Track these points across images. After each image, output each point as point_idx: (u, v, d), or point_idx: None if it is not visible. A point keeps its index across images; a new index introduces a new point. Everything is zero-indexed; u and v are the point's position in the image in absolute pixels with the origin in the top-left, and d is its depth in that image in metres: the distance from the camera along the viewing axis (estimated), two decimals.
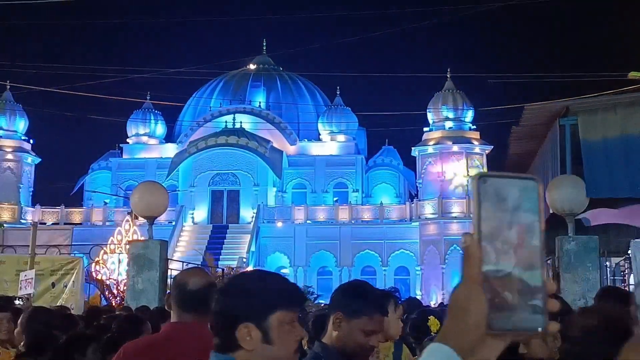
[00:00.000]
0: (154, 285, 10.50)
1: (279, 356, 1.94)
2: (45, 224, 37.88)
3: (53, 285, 13.60)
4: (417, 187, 40.74)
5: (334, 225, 39.37)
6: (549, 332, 0.82)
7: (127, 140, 45.07)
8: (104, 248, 20.21)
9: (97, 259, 19.68)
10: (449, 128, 39.32)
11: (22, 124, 42.21)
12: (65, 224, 38.92)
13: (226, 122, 43.21)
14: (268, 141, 42.12)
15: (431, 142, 39.26)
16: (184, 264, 14.89)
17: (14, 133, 41.80)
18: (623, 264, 16.32)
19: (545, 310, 0.82)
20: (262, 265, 36.95)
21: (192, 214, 40.71)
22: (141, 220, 14.88)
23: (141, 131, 44.77)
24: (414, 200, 40.11)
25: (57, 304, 11.41)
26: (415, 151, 39.85)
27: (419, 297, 23.66)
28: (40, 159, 42.85)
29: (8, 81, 38.13)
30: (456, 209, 38.06)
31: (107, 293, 18.67)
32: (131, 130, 44.93)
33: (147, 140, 44.85)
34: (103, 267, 19.52)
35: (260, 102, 46.00)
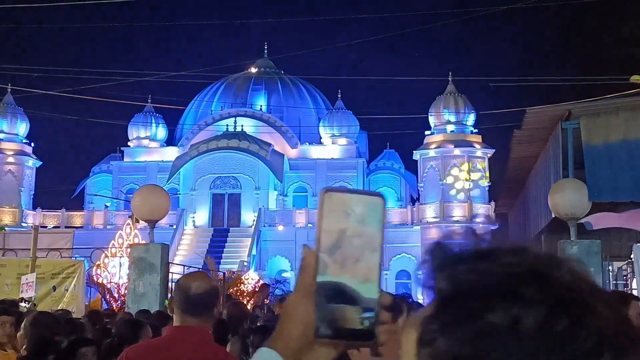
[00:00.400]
0: (154, 289, 10.48)
1: None
2: (46, 227, 37.84)
3: (54, 288, 13.59)
4: (418, 190, 40.70)
5: None
6: (379, 343, 0.85)
7: (128, 143, 45.09)
8: (105, 251, 20.18)
9: (98, 262, 19.65)
10: (451, 131, 39.29)
11: (23, 127, 42.23)
12: (66, 227, 38.87)
13: (227, 125, 43.22)
14: (269, 144, 42.12)
15: (433, 146, 39.23)
16: (185, 267, 14.87)
17: (15, 136, 41.82)
18: (625, 268, 16.29)
19: (377, 322, 0.85)
20: (262, 269, 36.92)
21: (193, 217, 40.69)
22: (142, 223, 14.86)
23: (142, 134, 44.78)
24: (416, 203, 40.06)
25: (58, 308, 11.39)
26: (416, 154, 39.82)
27: (420, 302, 23.58)
28: (41, 162, 42.86)
29: (9, 84, 38.18)
30: (458, 212, 38.02)
31: (108, 297, 18.64)
32: (132, 133, 44.94)
33: (148, 143, 44.86)
34: (104, 271, 19.49)
35: (261, 106, 46.02)
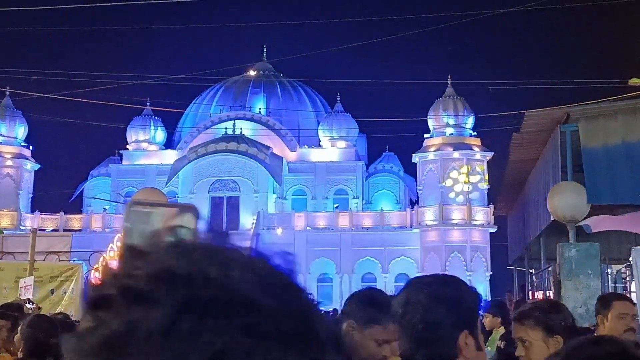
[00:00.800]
0: None
1: None
2: (44, 230, 37.80)
3: (52, 292, 13.56)
4: (417, 193, 40.69)
5: (334, 232, 39.32)
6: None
7: (127, 146, 45.07)
8: (104, 255, 20.15)
9: (96, 265, 19.61)
10: (450, 134, 39.30)
11: (21, 131, 42.22)
12: (64, 230, 38.82)
13: (226, 128, 43.21)
14: (268, 147, 42.12)
15: (432, 149, 39.23)
16: None
17: (14, 139, 41.81)
18: (624, 271, 16.28)
19: None
20: None
21: None
22: None
23: (141, 137, 44.78)
24: (415, 206, 40.06)
25: (57, 311, 11.36)
26: (415, 157, 39.82)
27: None
28: (39, 166, 42.84)
29: (8, 87, 38.13)
30: (457, 215, 38.01)
31: None
32: (131, 136, 44.94)
33: (147, 146, 44.85)
34: None
35: (260, 109, 46.02)
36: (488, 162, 38.76)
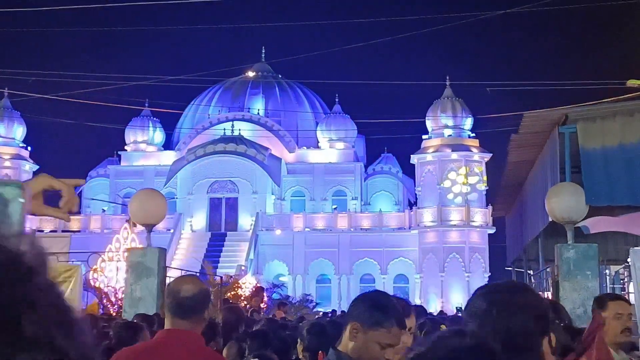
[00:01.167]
0: (152, 293, 10.46)
1: None
2: (43, 231, 37.82)
3: None
4: (416, 194, 40.70)
5: (333, 233, 39.32)
6: None
7: (126, 147, 45.04)
8: (102, 256, 20.15)
9: (95, 266, 19.62)
10: (448, 136, 39.32)
11: (20, 131, 42.19)
12: (63, 231, 38.82)
13: (225, 129, 43.19)
14: (267, 148, 42.11)
15: (430, 150, 39.25)
16: (183, 271, 14.85)
17: (12, 140, 41.78)
18: (622, 272, 16.31)
19: None
20: (260, 273, 36.90)
21: (191, 221, 40.64)
22: (139, 227, 14.83)
23: (139, 138, 44.75)
24: (413, 208, 40.06)
25: None
26: (414, 159, 39.83)
27: (422, 305, 23.55)
28: (38, 167, 42.79)
29: (6, 88, 38.16)
30: (455, 216, 38.02)
31: (105, 301, 18.61)
32: (129, 137, 44.91)
33: (145, 147, 44.83)
34: (101, 275, 19.46)
35: (259, 110, 46.01)
36: (486, 163, 38.78)
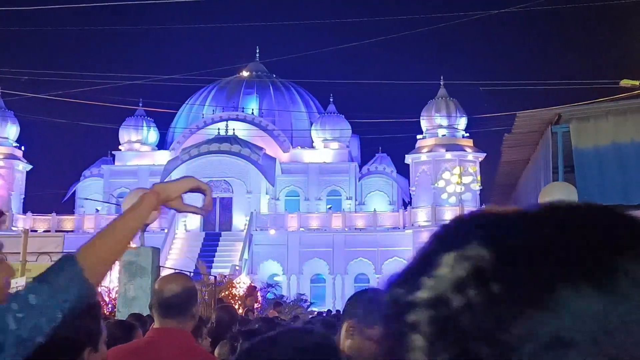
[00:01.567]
0: (145, 293, 10.44)
1: None
2: (36, 231, 37.68)
3: None
4: (410, 194, 40.75)
5: (327, 233, 39.32)
6: None
7: (120, 147, 44.95)
8: None
9: None
10: (442, 135, 39.39)
11: (13, 131, 42.06)
12: (56, 231, 38.69)
13: (219, 129, 43.16)
14: (261, 148, 42.10)
15: (424, 150, 39.31)
16: (176, 271, 14.81)
17: (5, 140, 41.65)
18: None
19: None
20: (254, 273, 36.86)
21: (185, 221, 40.59)
22: None
23: (133, 138, 44.67)
24: (408, 207, 40.10)
25: None
26: (408, 158, 39.88)
27: None
28: (31, 166, 42.70)
29: None
30: (449, 216, 37.79)
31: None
32: (123, 137, 44.82)
33: (139, 147, 44.74)
34: None
35: (253, 109, 45.99)
36: (480, 163, 38.87)
